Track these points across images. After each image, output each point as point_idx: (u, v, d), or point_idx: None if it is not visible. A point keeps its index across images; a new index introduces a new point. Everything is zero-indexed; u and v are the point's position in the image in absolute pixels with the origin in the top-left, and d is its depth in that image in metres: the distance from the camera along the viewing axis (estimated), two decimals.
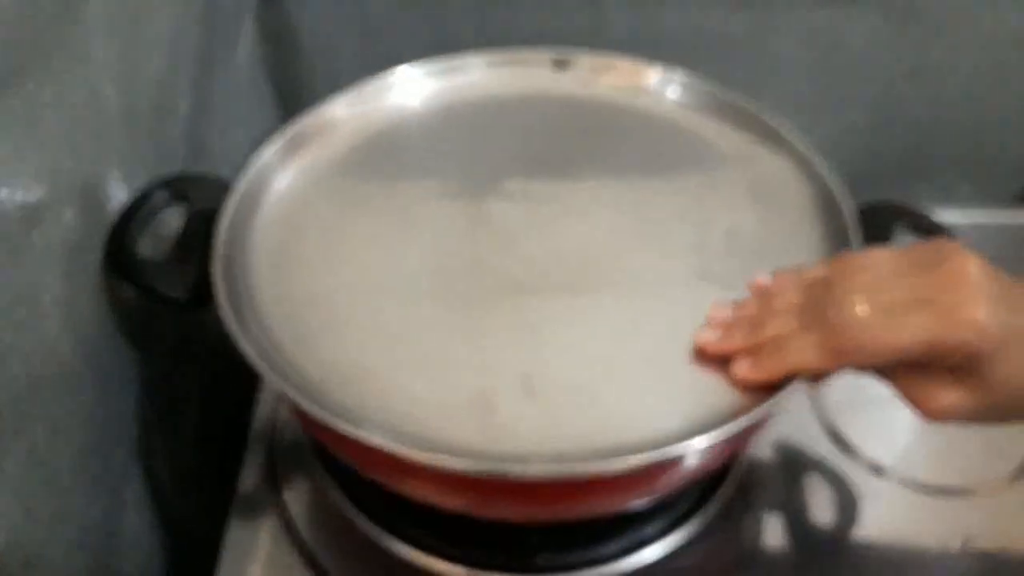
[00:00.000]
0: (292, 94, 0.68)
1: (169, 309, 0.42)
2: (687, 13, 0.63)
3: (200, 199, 0.43)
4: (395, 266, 0.42)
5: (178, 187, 0.44)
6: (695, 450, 0.35)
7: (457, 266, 0.42)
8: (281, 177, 0.47)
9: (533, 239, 0.43)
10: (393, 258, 0.43)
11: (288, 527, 0.47)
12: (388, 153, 0.49)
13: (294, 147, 0.48)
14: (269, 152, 0.46)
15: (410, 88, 0.52)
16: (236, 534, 0.46)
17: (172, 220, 0.46)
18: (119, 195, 0.43)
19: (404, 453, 0.34)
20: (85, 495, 0.40)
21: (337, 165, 0.48)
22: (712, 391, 0.37)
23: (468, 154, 0.48)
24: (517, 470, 0.34)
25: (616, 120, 0.51)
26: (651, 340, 0.39)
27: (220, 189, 0.44)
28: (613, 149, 0.49)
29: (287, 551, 0.46)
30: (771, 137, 0.48)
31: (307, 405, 0.35)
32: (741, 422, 0.35)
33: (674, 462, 0.37)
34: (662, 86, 0.52)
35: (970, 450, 0.51)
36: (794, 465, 0.50)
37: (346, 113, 0.50)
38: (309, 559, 0.45)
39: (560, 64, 0.53)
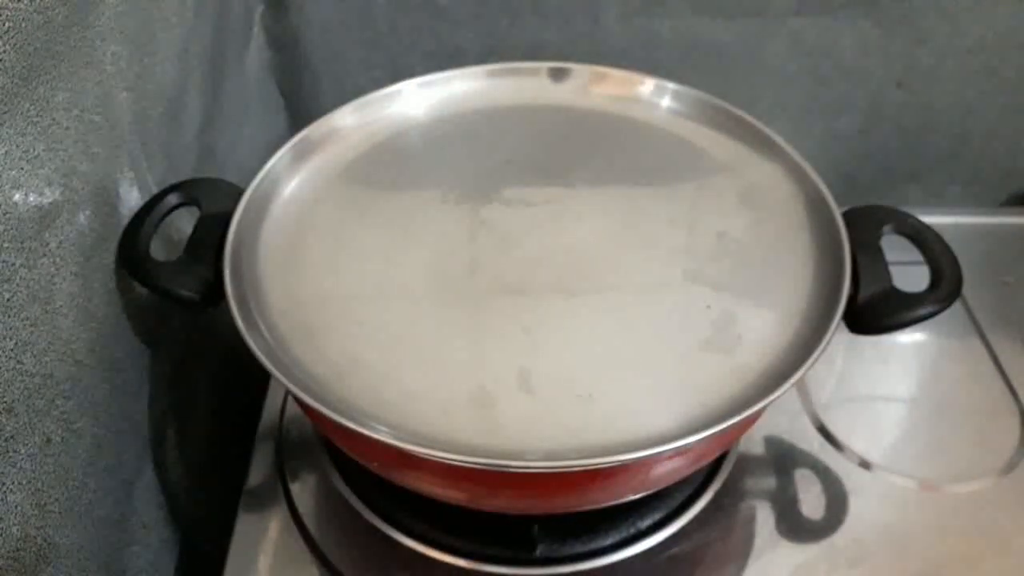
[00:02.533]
0: (298, 100, 0.68)
1: (180, 308, 0.42)
2: (681, 23, 0.63)
3: (210, 203, 0.44)
4: (398, 268, 0.43)
5: (189, 191, 0.44)
6: (685, 446, 0.35)
7: (457, 269, 0.43)
8: (289, 183, 0.47)
9: (531, 242, 0.44)
10: (396, 261, 0.43)
11: (295, 519, 0.47)
12: (392, 160, 0.49)
13: (302, 154, 0.48)
14: (278, 159, 0.47)
15: (413, 98, 0.52)
16: (245, 526, 0.47)
17: (182, 223, 0.47)
18: (132, 198, 0.43)
19: (407, 448, 0.35)
20: (97, 489, 0.40)
21: (343, 172, 0.48)
22: (702, 388, 0.38)
23: (468, 161, 0.49)
24: (516, 464, 0.34)
25: (611, 129, 0.51)
26: (643, 338, 0.40)
27: (230, 193, 0.44)
28: (608, 156, 0.49)
29: (294, 543, 0.46)
30: (762, 144, 0.49)
31: (312, 401, 0.36)
32: (731, 419, 0.35)
33: (665, 457, 0.38)
34: (656, 96, 0.52)
35: (958, 445, 0.51)
36: (784, 460, 0.50)
37: (352, 122, 0.50)
38: (315, 551, 0.46)
39: (557, 75, 0.53)
